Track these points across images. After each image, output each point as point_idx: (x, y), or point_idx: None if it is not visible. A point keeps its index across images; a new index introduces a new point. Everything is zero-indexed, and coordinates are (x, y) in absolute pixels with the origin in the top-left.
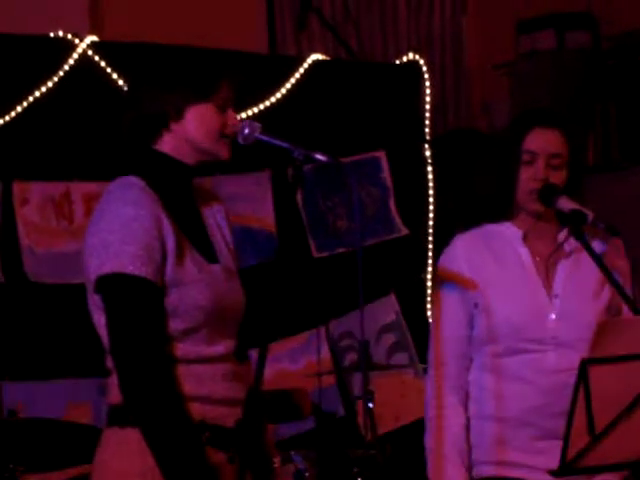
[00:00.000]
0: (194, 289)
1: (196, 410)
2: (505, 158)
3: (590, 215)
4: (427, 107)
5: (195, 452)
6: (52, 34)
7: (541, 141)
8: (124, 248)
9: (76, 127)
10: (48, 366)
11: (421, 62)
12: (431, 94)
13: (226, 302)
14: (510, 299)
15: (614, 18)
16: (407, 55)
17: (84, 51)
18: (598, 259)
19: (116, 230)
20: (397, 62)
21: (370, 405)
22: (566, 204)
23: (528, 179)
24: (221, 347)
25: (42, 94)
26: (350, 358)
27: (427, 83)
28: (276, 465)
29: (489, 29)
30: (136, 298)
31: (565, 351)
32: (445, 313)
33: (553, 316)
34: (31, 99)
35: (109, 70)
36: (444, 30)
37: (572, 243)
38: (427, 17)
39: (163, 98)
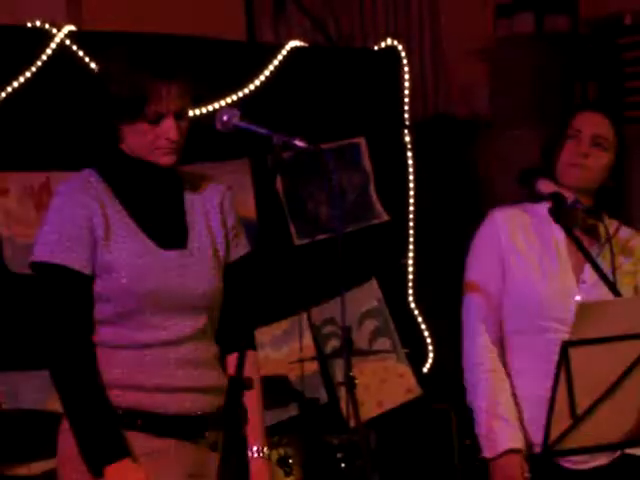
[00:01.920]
0: (125, 275)
1: (130, 397)
2: (552, 137)
3: (570, 198)
4: (406, 92)
5: (109, 437)
6: (29, 24)
7: (589, 122)
8: (48, 237)
9: (55, 117)
10: (30, 357)
11: (399, 48)
12: (410, 79)
13: (173, 287)
14: (540, 276)
15: (591, 2)
16: (385, 41)
17: (62, 41)
18: (577, 240)
19: (46, 220)
20: (375, 48)
21: (353, 391)
22: (546, 187)
23: (570, 153)
24: (166, 332)
25: (20, 84)
26: (332, 344)
27: (406, 68)
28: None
29: (467, 13)
30: (54, 285)
31: None
32: (484, 271)
33: (578, 298)
34: (9, 89)
35: (87, 60)
36: (422, 15)
37: (608, 225)
38: (405, 2)
39: (105, 121)
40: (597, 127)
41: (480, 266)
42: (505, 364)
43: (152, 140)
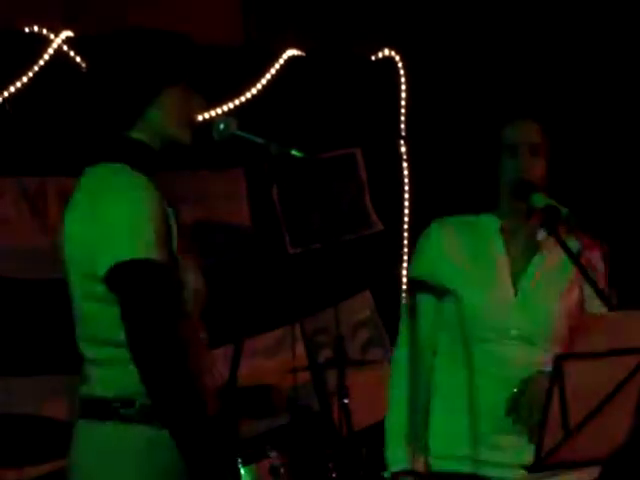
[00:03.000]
0: (189, 274)
1: None
2: (487, 151)
3: (564, 211)
4: (403, 103)
5: (224, 447)
6: (27, 29)
7: (523, 132)
8: (140, 233)
9: (51, 123)
10: (22, 362)
11: (397, 58)
12: (407, 90)
13: None
14: (477, 287)
15: None
16: (383, 51)
17: (59, 46)
18: (572, 255)
19: (129, 216)
20: (373, 58)
21: (345, 401)
22: (540, 199)
23: (511, 171)
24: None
25: (17, 89)
26: (325, 354)
27: (402, 79)
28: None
29: None
30: (156, 284)
31: (523, 345)
32: (419, 302)
33: (514, 309)
34: (6, 94)
35: (84, 65)
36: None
37: (551, 240)
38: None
39: (137, 84)
40: (533, 136)
41: (419, 273)
42: (448, 379)
43: (189, 111)
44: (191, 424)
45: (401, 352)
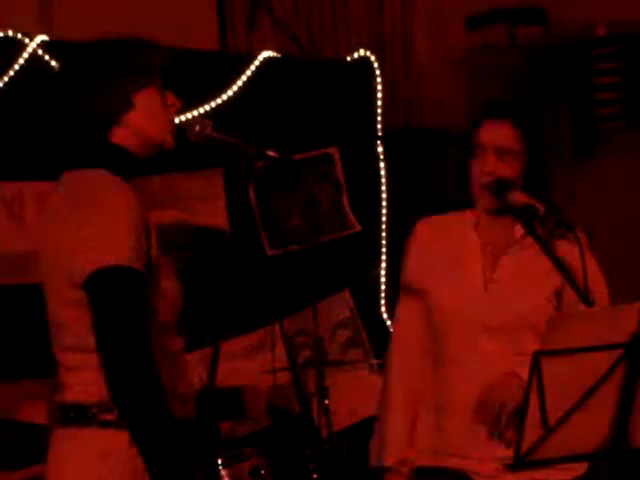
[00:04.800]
0: (166, 281)
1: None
2: (459, 152)
3: (541, 209)
4: (379, 103)
5: (181, 450)
6: (1, 33)
7: (490, 134)
8: (122, 241)
9: (28, 127)
10: (0, 367)
11: (372, 59)
12: (382, 90)
13: None
14: (448, 283)
15: (564, 13)
16: (358, 52)
17: (34, 51)
18: (550, 253)
19: (112, 222)
20: (348, 59)
21: (325, 401)
22: (518, 198)
23: (478, 173)
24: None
25: None
26: (305, 355)
27: (378, 79)
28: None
29: (439, 24)
30: (135, 293)
31: (494, 337)
32: (410, 280)
33: (485, 304)
34: None
35: (57, 71)
36: (394, 26)
37: (528, 238)
38: (377, 13)
39: (110, 91)
40: (500, 138)
41: (406, 275)
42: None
43: (164, 111)
44: (152, 430)
45: (393, 357)
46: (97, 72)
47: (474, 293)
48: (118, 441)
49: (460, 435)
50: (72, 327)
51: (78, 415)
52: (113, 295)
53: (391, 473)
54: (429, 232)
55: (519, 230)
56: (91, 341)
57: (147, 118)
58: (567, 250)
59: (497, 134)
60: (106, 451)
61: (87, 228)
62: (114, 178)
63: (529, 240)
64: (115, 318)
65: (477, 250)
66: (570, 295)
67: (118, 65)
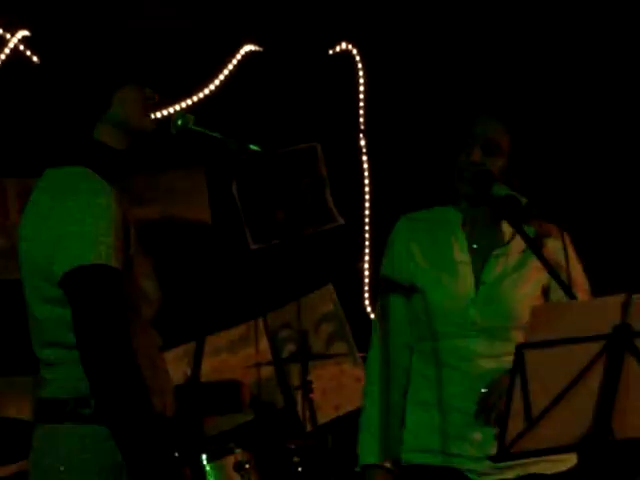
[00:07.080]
0: (144, 280)
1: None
2: (447, 143)
3: (524, 201)
4: (361, 97)
5: (164, 446)
6: None
7: (479, 128)
8: (102, 239)
9: (10, 123)
10: None
11: (354, 52)
12: (365, 84)
13: None
14: (438, 284)
15: None
16: (340, 45)
17: (16, 46)
18: (534, 246)
19: (91, 221)
20: (330, 52)
21: (310, 395)
22: (500, 190)
23: (464, 163)
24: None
25: None
26: (289, 349)
27: (361, 72)
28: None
29: None
30: (114, 291)
31: (485, 337)
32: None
33: (474, 302)
34: None
35: (37, 69)
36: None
37: (516, 237)
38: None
39: (90, 90)
40: (489, 132)
41: (389, 270)
42: (416, 374)
43: (143, 103)
44: (133, 426)
45: (375, 351)
46: (78, 71)
47: (464, 294)
48: (96, 436)
49: (455, 434)
50: (49, 323)
51: (55, 411)
52: (91, 293)
53: (375, 469)
54: (412, 229)
55: (507, 230)
56: (68, 337)
57: (127, 114)
58: (552, 246)
59: (490, 128)
60: (85, 446)
61: (66, 226)
62: (93, 177)
63: (517, 240)
64: (94, 316)
65: (465, 249)
66: (556, 292)
67: (98, 64)
